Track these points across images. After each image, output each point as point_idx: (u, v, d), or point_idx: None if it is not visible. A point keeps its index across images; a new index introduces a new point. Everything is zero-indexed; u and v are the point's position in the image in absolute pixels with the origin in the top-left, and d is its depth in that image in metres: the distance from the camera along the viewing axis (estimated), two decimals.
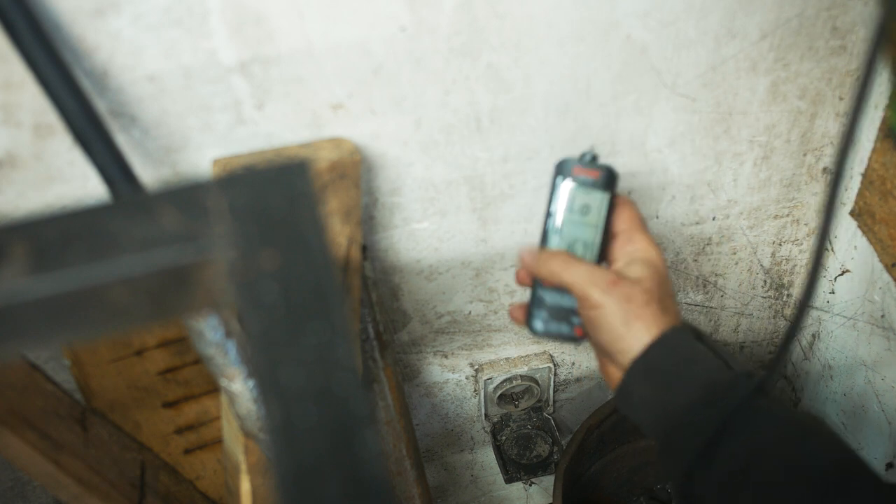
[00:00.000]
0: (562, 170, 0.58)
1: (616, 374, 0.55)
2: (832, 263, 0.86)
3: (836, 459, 0.48)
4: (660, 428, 0.53)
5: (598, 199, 0.58)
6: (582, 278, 0.55)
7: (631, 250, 0.57)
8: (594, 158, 0.59)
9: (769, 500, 0.47)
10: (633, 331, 0.53)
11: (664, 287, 0.56)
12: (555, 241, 0.58)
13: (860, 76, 0.32)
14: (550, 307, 0.59)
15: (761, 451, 0.49)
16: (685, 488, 0.51)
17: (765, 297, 0.93)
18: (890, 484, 0.46)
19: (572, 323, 0.59)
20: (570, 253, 0.57)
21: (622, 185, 0.76)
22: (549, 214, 0.59)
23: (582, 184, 0.58)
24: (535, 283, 0.59)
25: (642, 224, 0.58)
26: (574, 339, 0.60)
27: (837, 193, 0.37)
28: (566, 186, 0.58)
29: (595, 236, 0.58)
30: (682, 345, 0.53)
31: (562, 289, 0.57)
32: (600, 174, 0.58)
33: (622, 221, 0.58)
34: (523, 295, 0.85)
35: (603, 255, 0.58)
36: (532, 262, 0.58)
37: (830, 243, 0.86)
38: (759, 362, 1.04)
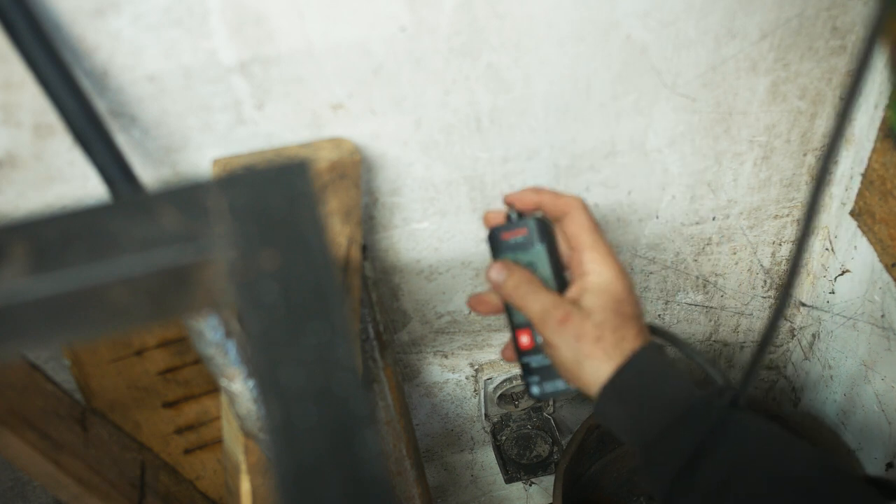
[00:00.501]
0: (494, 243, 0.60)
1: (592, 400, 0.56)
2: (832, 263, 0.86)
3: (820, 468, 0.48)
4: (639, 447, 0.53)
5: (538, 252, 0.59)
6: (538, 312, 0.55)
7: (583, 277, 0.56)
8: (519, 215, 0.60)
9: None
10: (585, 368, 0.54)
11: (621, 311, 0.54)
12: (517, 313, 0.60)
13: (854, 71, 0.32)
14: (540, 370, 0.61)
15: (742, 464, 0.49)
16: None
17: (765, 297, 0.93)
18: (874, 492, 0.46)
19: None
20: (529, 278, 0.57)
21: (623, 185, 0.76)
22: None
23: (514, 248, 0.59)
24: (519, 354, 0.61)
25: (593, 238, 0.56)
26: (572, 392, 0.60)
27: (825, 176, 0.37)
28: (503, 258, 0.60)
29: (549, 277, 0.59)
30: (648, 366, 0.53)
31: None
32: (527, 230, 0.59)
33: (571, 240, 0.57)
34: None
35: (562, 282, 0.59)
36: (498, 283, 0.58)
37: (831, 243, 0.86)
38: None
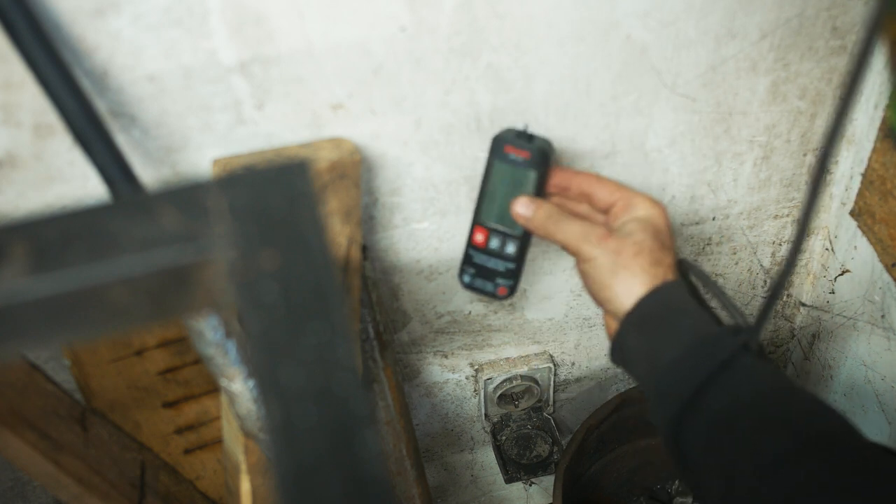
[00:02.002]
0: (495, 147, 0.63)
1: (613, 326, 0.57)
2: (832, 263, 0.86)
3: (818, 414, 0.49)
4: (650, 379, 0.54)
5: (529, 176, 0.62)
6: (575, 236, 0.58)
7: (627, 212, 0.58)
8: (530, 137, 0.62)
9: (752, 451, 0.48)
10: (619, 279, 0.56)
11: (659, 240, 0.57)
12: (485, 213, 0.65)
13: (851, 69, 0.32)
14: (479, 266, 0.67)
15: (745, 404, 0.50)
16: (673, 438, 0.52)
17: (765, 297, 0.93)
18: (872, 444, 0.46)
19: (497, 283, 0.67)
20: (559, 211, 0.60)
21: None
22: (480, 192, 0.65)
23: (511, 163, 0.62)
24: (468, 244, 0.66)
25: (632, 189, 0.60)
26: (496, 297, 0.68)
27: (826, 164, 0.37)
28: (495, 167, 0.63)
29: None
30: (673, 298, 0.55)
31: (506, 247, 0.65)
32: (530, 154, 0.62)
33: (610, 192, 0.59)
34: (523, 294, 0.85)
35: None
36: (527, 217, 0.61)
37: (831, 243, 0.86)
38: None
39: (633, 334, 0.55)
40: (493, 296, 0.68)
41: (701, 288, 0.60)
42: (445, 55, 0.61)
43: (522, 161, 0.62)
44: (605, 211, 0.60)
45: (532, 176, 0.62)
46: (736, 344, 0.51)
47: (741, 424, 0.49)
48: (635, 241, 0.56)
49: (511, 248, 0.66)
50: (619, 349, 0.57)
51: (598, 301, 0.58)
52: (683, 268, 0.61)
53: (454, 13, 0.59)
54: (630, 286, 0.55)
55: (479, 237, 0.66)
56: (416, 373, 0.92)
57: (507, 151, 0.62)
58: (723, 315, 0.58)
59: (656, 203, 0.59)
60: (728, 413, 0.50)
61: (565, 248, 0.59)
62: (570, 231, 0.58)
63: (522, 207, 0.61)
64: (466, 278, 0.68)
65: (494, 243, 0.66)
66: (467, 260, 0.67)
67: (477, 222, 0.66)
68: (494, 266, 0.67)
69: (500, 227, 0.65)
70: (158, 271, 0.28)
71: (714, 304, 0.60)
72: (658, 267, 0.56)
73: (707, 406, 0.50)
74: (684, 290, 0.56)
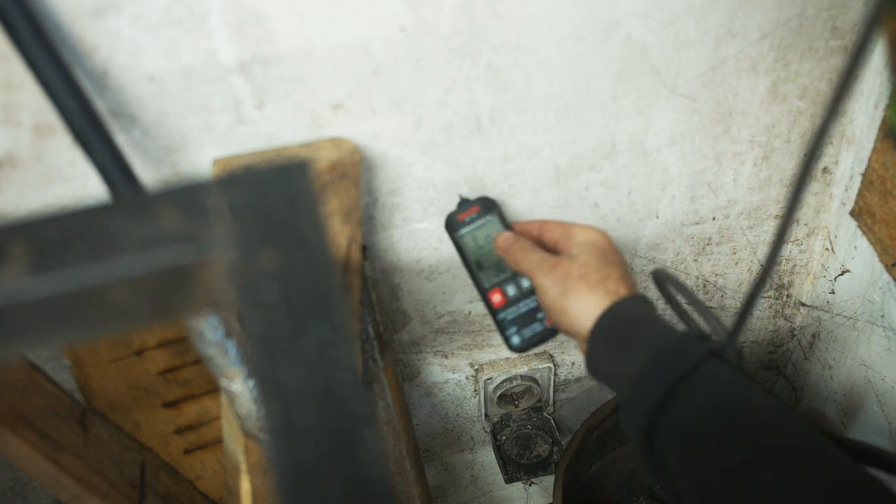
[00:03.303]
0: (451, 225, 0.70)
1: (583, 347, 0.59)
2: (832, 263, 0.86)
3: (779, 421, 0.49)
4: (621, 391, 0.56)
5: (492, 221, 0.69)
6: (535, 262, 0.62)
7: (570, 241, 0.63)
8: (466, 200, 0.70)
9: (716, 460, 0.48)
10: (571, 303, 0.58)
11: (603, 257, 0.60)
12: (486, 278, 0.69)
13: (847, 65, 0.32)
14: (516, 320, 0.68)
15: (709, 413, 0.50)
16: (645, 449, 0.53)
17: (765, 297, 0.93)
18: (832, 449, 0.46)
19: (540, 319, 0.68)
20: (530, 243, 0.64)
21: (623, 185, 0.76)
22: (468, 267, 0.69)
23: (470, 223, 0.69)
24: (494, 313, 0.68)
25: (572, 223, 0.65)
26: (550, 332, 0.67)
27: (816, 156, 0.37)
28: (464, 238, 0.70)
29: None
30: (630, 312, 0.57)
31: (521, 279, 0.68)
32: (479, 206, 0.69)
33: (553, 231, 0.65)
34: None
35: None
36: (504, 248, 0.66)
37: (831, 243, 0.86)
38: (758, 362, 1.04)
39: (599, 352, 0.57)
40: (547, 333, 0.67)
41: (679, 297, 0.61)
42: (445, 55, 0.61)
43: (477, 215, 0.69)
44: (554, 249, 0.65)
45: (492, 219, 0.69)
46: (699, 352, 0.52)
47: (705, 434, 0.49)
48: (580, 263, 0.60)
49: (527, 283, 0.68)
50: (594, 368, 0.59)
51: (563, 329, 0.61)
52: (659, 277, 0.62)
53: (454, 13, 0.59)
54: (583, 308, 0.58)
55: (497, 297, 0.68)
56: (416, 373, 0.92)
57: (460, 219, 0.69)
58: (703, 323, 0.59)
59: (595, 228, 0.63)
60: (694, 422, 0.50)
61: (529, 278, 0.63)
62: (531, 260, 0.62)
63: (502, 240, 0.66)
64: (516, 340, 0.68)
65: (511, 291, 0.68)
66: (503, 325, 0.68)
67: (485, 290, 0.69)
68: (527, 307, 0.68)
69: (505, 276, 0.69)
70: (158, 271, 0.28)
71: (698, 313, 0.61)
72: (607, 282, 0.58)
73: (673, 416, 0.51)
74: (643, 301, 0.58)
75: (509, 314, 0.68)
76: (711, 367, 0.52)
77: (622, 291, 0.58)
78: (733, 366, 0.53)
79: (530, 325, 0.67)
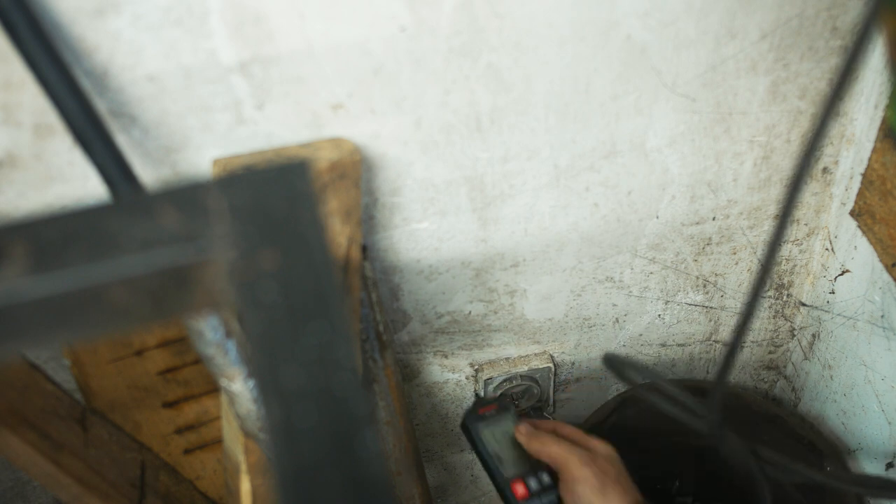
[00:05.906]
0: (469, 422, 0.75)
1: None
2: (832, 263, 0.86)
3: None
4: None
5: (509, 416, 0.76)
6: (565, 452, 0.67)
7: (589, 442, 0.69)
8: (482, 399, 0.79)
9: None
10: (608, 498, 0.63)
11: (624, 474, 0.67)
12: (506, 470, 0.73)
13: (845, 64, 0.32)
14: None
15: None
16: None
17: (765, 297, 0.93)
18: None
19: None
20: (554, 437, 0.70)
21: (623, 185, 0.76)
22: (486, 460, 0.73)
23: (488, 418, 0.75)
24: (514, 502, 0.71)
25: (586, 433, 0.72)
26: None
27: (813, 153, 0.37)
28: (483, 432, 0.75)
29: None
30: None
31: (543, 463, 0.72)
32: (497, 404, 0.77)
33: (565, 429, 0.71)
34: (523, 294, 0.85)
35: None
36: (530, 437, 0.71)
37: (831, 243, 0.86)
38: (758, 362, 1.04)
39: None
40: None
41: (638, 376, 0.69)
42: (445, 55, 0.61)
43: (495, 412, 0.76)
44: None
45: (509, 415, 0.76)
46: None
47: None
48: (613, 466, 0.66)
49: (546, 477, 0.72)
50: None
51: None
52: (612, 362, 0.69)
53: (454, 13, 0.59)
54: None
55: (521, 489, 0.72)
56: (416, 373, 0.92)
57: (481, 413, 0.75)
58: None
59: (608, 443, 0.70)
60: None
61: (553, 464, 0.68)
62: (563, 446, 0.68)
63: (525, 430, 0.73)
64: None
65: (533, 484, 0.72)
66: None
67: (508, 480, 0.72)
68: (548, 500, 0.71)
69: (524, 469, 0.73)
70: (158, 271, 0.28)
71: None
72: (633, 492, 0.65)
73: None
74: None
75: None
76: None
77: (636, 499, 0.64)
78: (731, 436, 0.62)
79: None
